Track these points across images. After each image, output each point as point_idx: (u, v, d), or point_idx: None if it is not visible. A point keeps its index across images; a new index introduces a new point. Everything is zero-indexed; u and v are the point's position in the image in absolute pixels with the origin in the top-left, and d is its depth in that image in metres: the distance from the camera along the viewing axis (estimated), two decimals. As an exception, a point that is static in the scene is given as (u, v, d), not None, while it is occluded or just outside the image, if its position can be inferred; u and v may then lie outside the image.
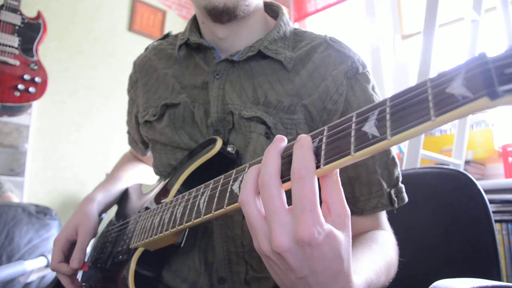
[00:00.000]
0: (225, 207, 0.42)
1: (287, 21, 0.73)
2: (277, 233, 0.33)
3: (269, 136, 0.63)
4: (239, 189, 0.42)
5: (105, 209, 0.83)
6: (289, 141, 0.38)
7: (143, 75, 0.80)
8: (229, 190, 0.43)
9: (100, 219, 0.81)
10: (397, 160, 0.65)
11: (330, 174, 0.36)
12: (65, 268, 0.68)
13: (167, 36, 0.85)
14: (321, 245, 0.33)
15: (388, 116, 0.30)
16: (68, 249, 0.72)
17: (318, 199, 0.33)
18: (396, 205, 0.63)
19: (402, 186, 0.65)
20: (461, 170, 0.82)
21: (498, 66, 0.23)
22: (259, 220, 0.36)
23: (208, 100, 0.68)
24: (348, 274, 0.36)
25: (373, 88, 0.66)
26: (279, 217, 0.34)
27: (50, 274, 1.38)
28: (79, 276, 0.79)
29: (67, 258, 0.71)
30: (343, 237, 0.35)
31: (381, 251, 0.54)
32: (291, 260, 0.34)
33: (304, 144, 0.35)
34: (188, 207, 0.51)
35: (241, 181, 0.42)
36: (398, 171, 0.65)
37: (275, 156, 0.36)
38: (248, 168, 0.42)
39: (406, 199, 0.65)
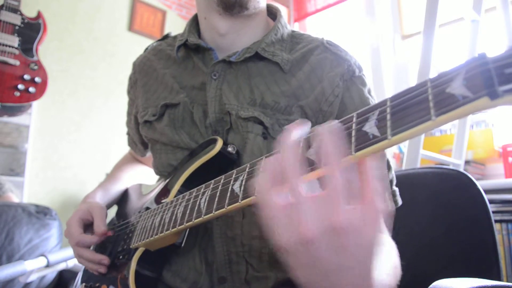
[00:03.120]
0: (226, 207, 0.43)
1: (285, 24, 0.74)
2: (305, 221, 0.31)
3: (266, 137, 0.63)
4: (240, 189, 0.42)
5: None
6: None
7: (143, 75, 0.80)
8: (229, 190, 0.44)
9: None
10: (390, 163, 0.65)
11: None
12: (89, 238, 0.69)
13: (166, 37, 0.85)
14: (352, 236, 0.31)
15: (388, 116, 0.30)
16: (83, 227, 0.72)
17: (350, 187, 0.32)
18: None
19: (396, 189, 0.65)
20: (461, 170, 0.82)
21: (498, 66, 0.23)
22: (281, 210, 0.33)
23: (206, 100, 0.68)
24: (373, 274, 0.34)
25: (369, 92, 0.66)
26: (306, 203, 0.32)
27: (50, 274, 1.38)
28: (79, 276, 0.79)
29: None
30: (374, 230, 0.33)
31: (387, 254, 0.53)
32: (317, 252, 0.32)
33: (334, 128, 0.33)
34: (189, 207, 0.51)
35: (242, 181, 0.42)
36: (392, 175, 0.65)
37: (295, 142, 0.35)
38: (249, 168, 0.42)
39: (400, 202, 0.65)
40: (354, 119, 0.33)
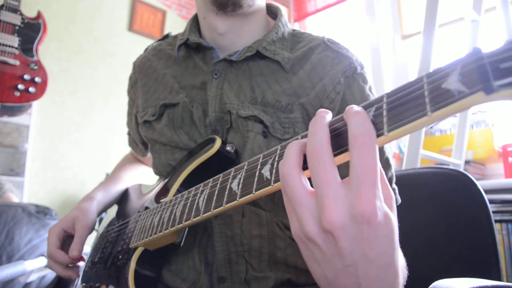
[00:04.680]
0: (224, 205, 0.43)
1: (285, 22, 0.74)
2: (331, 207, 0.29)
3: (267, 135, 0.63)
4: (238, 187, 0.42)
5: (104, 209, 0.83)
6: (286, 139, 0.38)
7: (143, 75, 0.80)
8: (228, 188, 0.44)
9: (99, 219, 0.81)
10: (391, 161, 0.65)
11: None
12: (61, 256, 0.69)
13: (166, 36, 0.85)
14: (379, 225, 0.29)
15: (385, 112, 0.30)
16: (63, 239, 0.72)
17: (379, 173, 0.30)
18: None
19: (395, 187, 0.65)
20: (461, 170, 0.82)
21: (494, 61, 0.23)
22: (305, 195, 0.32)
23: (206, 99, 0.68)
24: (397, 268, 0.32)
25: (370, 89, 0.66)
26: (333, 188, 0.30)
27: (50, 274, 1.38)
28: (79, 276, 0.79)
29: (62, 247, 0.71)
30: (396, 221, 0.32)
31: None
32: (342, 241, 0.30)
33: (361, 110, 0.31)
34: (188, 205, 0.51)
35: (240, 179, 0.42)
36: (392, 173, 0.64)
37: (324, 125, 0.33)
38: (247, 166, 0.42)
39: (399, 200, 0.65)
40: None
